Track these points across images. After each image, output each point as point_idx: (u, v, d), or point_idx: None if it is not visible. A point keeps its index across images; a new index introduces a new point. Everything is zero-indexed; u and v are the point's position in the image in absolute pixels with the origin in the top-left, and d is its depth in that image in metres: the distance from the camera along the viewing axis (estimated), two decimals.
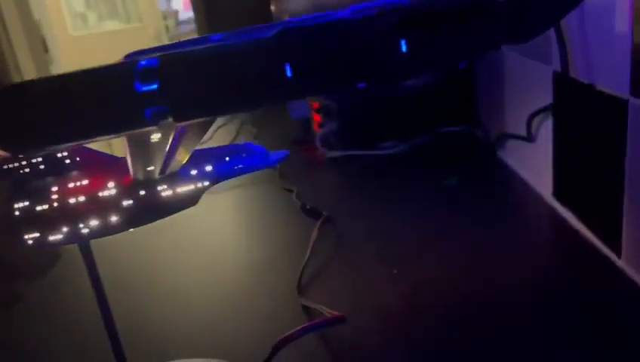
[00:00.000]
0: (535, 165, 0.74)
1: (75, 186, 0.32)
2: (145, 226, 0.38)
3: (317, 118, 1.06)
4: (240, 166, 0.39)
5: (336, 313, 0.50)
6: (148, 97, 0.23)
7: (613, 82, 0.52)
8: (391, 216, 0.76)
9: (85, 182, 0.33)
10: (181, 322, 0.59)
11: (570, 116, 0.63)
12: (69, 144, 0.32)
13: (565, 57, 0.60)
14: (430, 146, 0.98)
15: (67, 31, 2.76)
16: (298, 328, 0.46)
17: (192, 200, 0.37)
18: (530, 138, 0.73)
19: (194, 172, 0.37)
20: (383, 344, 0.50)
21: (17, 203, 0.32)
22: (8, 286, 0.67)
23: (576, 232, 0.63)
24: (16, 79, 1.86)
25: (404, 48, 0.25)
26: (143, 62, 0.23)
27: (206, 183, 0.37)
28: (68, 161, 0.33)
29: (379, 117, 1.01)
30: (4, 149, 0.25)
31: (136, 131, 0.29)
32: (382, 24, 0.24)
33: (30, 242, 0.32)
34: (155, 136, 0.30)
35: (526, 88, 0.75)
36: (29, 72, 1.91)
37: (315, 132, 1.07)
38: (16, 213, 0.32)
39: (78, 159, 0.33)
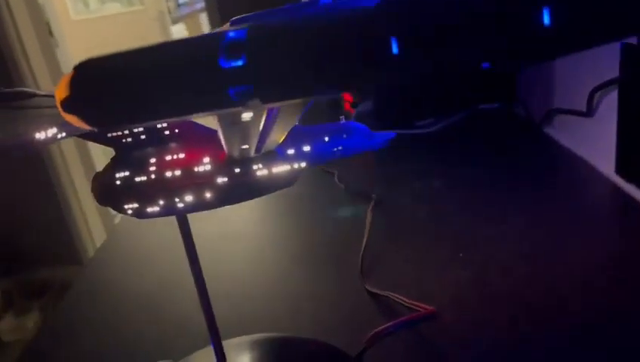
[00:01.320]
0: (595, 141, 0.71)
1: (172, 159, 0.31)
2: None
3: (348, 97, 1.03)
4: (340, 147, 0.35)
5: (426, 306, 0.47)
6: (233, 74, 0.20)
7: None
8: (441, 197, 0.73)
9: (182, 155, 0.31)
10: (242, 312, 0.56)
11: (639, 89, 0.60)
12: (150, 122, 0.30)
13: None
14: (469, 124, 0.95)
15: (69, 15, 2.69)
16: (390, 324, 0.44)
17: (289, 180, 0.34)
18: (590, 113, 0.70)
19: (291, 152, 0.34)
20: (459, 333, 0.47)
21: (118, 172, 0.31)
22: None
23: None
24: (23, 63, 1.80)
25: (546, 20, 0.19)
26: (230, 34, 0.20)
27: (303, 164, 0.34)
28: (167, 133, 0.31)
29: (414, 94, 0.98)
30: (86, 123, 0.22)
31: (222, 111, 0.27)
32: None
33: (130, 212, 0.31)
34: (247, 115, 0.28)
35: (583, 62, 0.71)
36: (35, 56, 1.85)
37: (345, 111, 1.03)
38: (117, 182, 0.31)
39: (177, 131, 0.31)
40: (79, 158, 1.88)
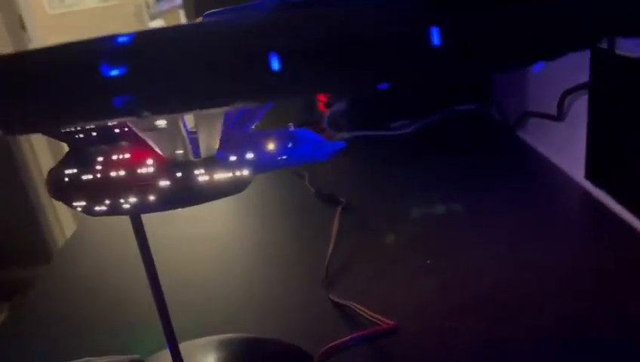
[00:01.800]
0: (566, 146, 0.70)
1: (118, 159, 0.30)
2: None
3: (322, 97, 1.01)
4: (284, 156, 0.34)
5: (385, 320, 0.45)
6: (115, 83, 0.18)
7: None
8: (412, 202, 0.71)
9: (128, 155, 0.30)
10: (199, 315, 0.54)
11: (611, 94, 0.60)
12: (44, 129, 0.29)
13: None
14: (443, 126, 0.94)
15: (44, 9, 2.63)
16: (346, 338, 0.42)
17: (236, 187, 0.32)
18: (560, 117, 0.69)
19: (233, 158, 0.32)
20: (423, 343, 0.46)
21: (67, 169, 0.31)
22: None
23: (615, 215, 0.60)
24: None
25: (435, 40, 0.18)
26: (117, 39, 0.18)
27: (245, 172, 0.32)
28: (117, 131, 0.30)
29: (388, 95, 0.97)
30: None
31: (118, 120, 0.26)
32: None
33: (79, 209, 0.31)
34: (161, 122, 0.27)
35: (555, 65, 0.70)
36: (5, 51, 1.80)
37: (320, 112, 1.02)
38: (65, 178, 0.31)
39: (126, 129, 0.30)
40: (51, 156, 1.83)
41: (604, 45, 0.58)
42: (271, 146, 0.33)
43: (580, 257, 0.55)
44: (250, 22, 0.18)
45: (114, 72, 0.18)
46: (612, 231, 0.58)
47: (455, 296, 0.52)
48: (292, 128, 0.35)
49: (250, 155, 0.33)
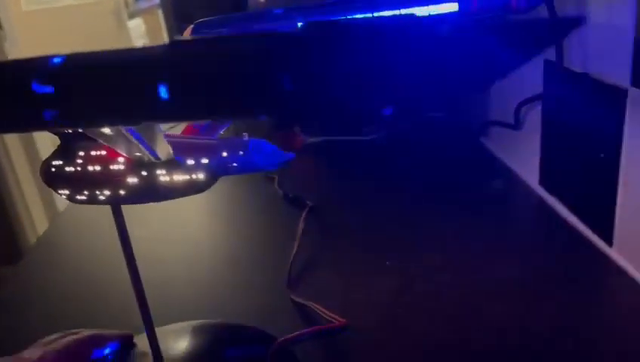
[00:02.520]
0: (522, 153, 0.74)
1: (95, 154, 0.34)
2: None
3: None
4: (234, 164, 0.36)
5: (337, 318, 0.48)
6: (44, 99, 0.21)
7: (611, 72, 0.52)
8: (377, 206, 0.74)
9: (104, 152, 0.34)
10: (165, 314, 0.55)
11: (561, 105, 0.63)
12: None
13: (560, 45, 0.59)
14: (412, 132, 0.96)
15: (20, 6, 2.59)
16: (296, 333, 0.44)
17: (198, 187, 0.35)
18: (517, 126, 0.72)
19: (190, 162, 0.35)
20: (379, 341, 0.48)
21: (55, 160, 0.34)
22: None
23: (564, 221, 0.63)
24: None
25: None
26: (51, 60, 0.21)
27: (200, 176, 0.35)
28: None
29: (360, 102, 0.99)
30: None
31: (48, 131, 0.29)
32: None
33: (64, 197, 0.35)
34: (106, 130, 0.31)
35: (515, 75, 0.74)
36: None
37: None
38: (52, 169, 0.35)
39: None
40: (24, 152, 1.82)
41: (552, 58, 0.61)
42: (224, 154, 0.35)
43: (527, 260, 0.58)
44: (146, 55, 0.20)
45: (43, 90, 0.20)
46: (560, 236, 0.62)
47: (409, 295, 0.54)
48: (246, 138, 0.37)
49: (204, 160, 0.35)
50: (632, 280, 0.52)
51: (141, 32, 2.78)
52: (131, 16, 2.88)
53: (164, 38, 2.25)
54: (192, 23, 0.40)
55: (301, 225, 0.68)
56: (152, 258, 0.67)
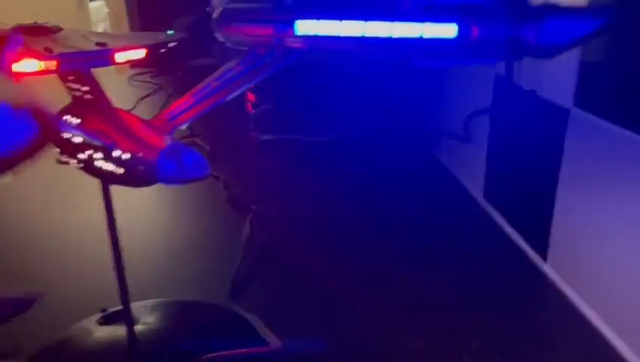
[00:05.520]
0: (469, 166, 0.75)
1: (74, 124, 0.37)
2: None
3: (252, 97, 1.01)
4: (141, 167, 0.34)
5: (276, 342, 0.46)
6: None
7: (556, 91, 0.53)
8: (325, 210, 0.73)
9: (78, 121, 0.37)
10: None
11: (507, 120, 0.64)
12: None
13: (511, 62, 0.59)
14: (366, 136, 0.96)
15: None
16: (226, 352, 0.43)
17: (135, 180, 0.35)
18: (466, 138, 0.73)
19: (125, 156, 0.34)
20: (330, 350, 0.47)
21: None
22: None
23: (504, 234, 0.64)
24: None
25: None
26: None
27: (121, 170, 0.33)
28: (88, 97, 0.36)
29: (314, 101, 0.98)
30: None
31: None
32: None
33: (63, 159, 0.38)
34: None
35: (467, 89, 0.74)
36: None
37: (248, 112, 1.02)
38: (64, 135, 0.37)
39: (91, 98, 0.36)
40: None
41: (502, 73, 0.62)
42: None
43: (466, 270, 0.58)
44: None
45: None
46: (499, 249, 0.62)
47: (357, 302, 0.54)
48: (169, 141, 0.34)
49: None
50: (561, 292, 0.53)
51: (102, 15, 2.68)
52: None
53: (126, 23, 2.18)
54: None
55: (246, 231, 0.65)
56: (82, 254, 0.64)
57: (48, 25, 0.36)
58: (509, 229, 0.64)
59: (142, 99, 1.10)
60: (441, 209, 0.72)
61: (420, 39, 0.30)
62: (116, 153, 0.34)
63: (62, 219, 0.69)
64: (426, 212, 0.71)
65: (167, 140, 0.34)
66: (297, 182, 0.83)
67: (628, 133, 0.43)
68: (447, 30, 0.30)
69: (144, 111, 1.02)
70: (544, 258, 0.57)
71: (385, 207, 0.73)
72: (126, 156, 0.33)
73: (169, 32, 0.47)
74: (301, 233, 0.68)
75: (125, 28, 2.22)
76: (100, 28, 2.55)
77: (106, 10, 2.89)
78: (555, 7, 0.29)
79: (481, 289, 0.55)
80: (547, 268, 0.56)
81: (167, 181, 0.34)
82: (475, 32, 0.29)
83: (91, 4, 2.78)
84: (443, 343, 0.48)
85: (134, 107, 0.92)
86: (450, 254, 0.61)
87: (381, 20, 0.31)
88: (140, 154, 0.33)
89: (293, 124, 0.98)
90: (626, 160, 0.44)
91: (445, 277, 0.57)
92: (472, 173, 0.74)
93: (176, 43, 0.39)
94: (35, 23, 0.36)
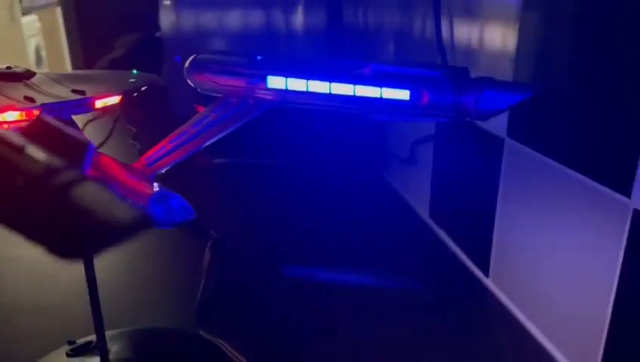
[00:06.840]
0: (415, 187, 0.80)
1: None
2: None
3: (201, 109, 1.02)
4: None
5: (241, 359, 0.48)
6: None
7: (492, 122, 0.59)
8: (282, 234, 0.76)
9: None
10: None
11: (450, 147, 0.70)
12: None
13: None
14: (319, 160, 1.00)
15: None
16: None
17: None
18: (412, 161, 0.78)
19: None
20: None
21: None
22: None
23: (448, 251, 0.70)
24: None
25: None
26: None
27: None
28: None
29: (267, 124, 1.01)
30: None
31: None
32: None
33: None
34: None
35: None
36: None
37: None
38: None
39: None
40: None
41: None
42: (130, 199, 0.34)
43: (411, 282, 0.63)
44: None
45: None
46: (444, 265, 0.67)
47: (316, 323, 0.57)
48: (157, 188, 0.36)
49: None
50: (503, 307, 0.58)
51: (35, 30, 2.58)
52: (26, 12, 2.66)
53: (62, 38, 2.11)
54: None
55: (207, 257, 0.67)
56: (34, 281, 0.63)
57: (19, 70, 0.37)
58: (453, 247, 0.70)
59: (88, 123, 1.09)
60: (389, 227, 0.77)
61: (380, 99, 0.35)
62: None
63: (11, 253, 0.67)
64: (376, 231, 0.75)
65: (155, 186, 0.36)
66: (253, 206, 0.85)
67: (550, 161, 0.49)
68: (401, 94, 0.34)
69: (93, 136, 1.01)
70: (486, 274, 0.62)
71: (338, 226, 0.77)
72: None
73: (134, 72, 0.49)
74: (260, 256, 0.70)
75: (63, 44, 2.16)
76: (33, 43, 2.45)
77: (38, 24, 2.79)
78: (492, 80, 0.34)
79: (426, 301, 0.60)
80: (489, 283, 0.62)
81: (156, 226, 0.35)
82: (425, 97, 0.34)
83: (23, 19, 2.68)
84: (391, 356, 0.51)
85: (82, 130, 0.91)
86: (398, 269, 0.66)
87: (346, 83, 0.36)
88: (129, 201, 0.34)
89: (246, 147, 1.00)
90: (548, 185, 0.50)
91: (396, 290, 0.62)
92: (418, 194, 0.79)
93: (146, 87, 0.41)
94: (8, 67, 0.37)
